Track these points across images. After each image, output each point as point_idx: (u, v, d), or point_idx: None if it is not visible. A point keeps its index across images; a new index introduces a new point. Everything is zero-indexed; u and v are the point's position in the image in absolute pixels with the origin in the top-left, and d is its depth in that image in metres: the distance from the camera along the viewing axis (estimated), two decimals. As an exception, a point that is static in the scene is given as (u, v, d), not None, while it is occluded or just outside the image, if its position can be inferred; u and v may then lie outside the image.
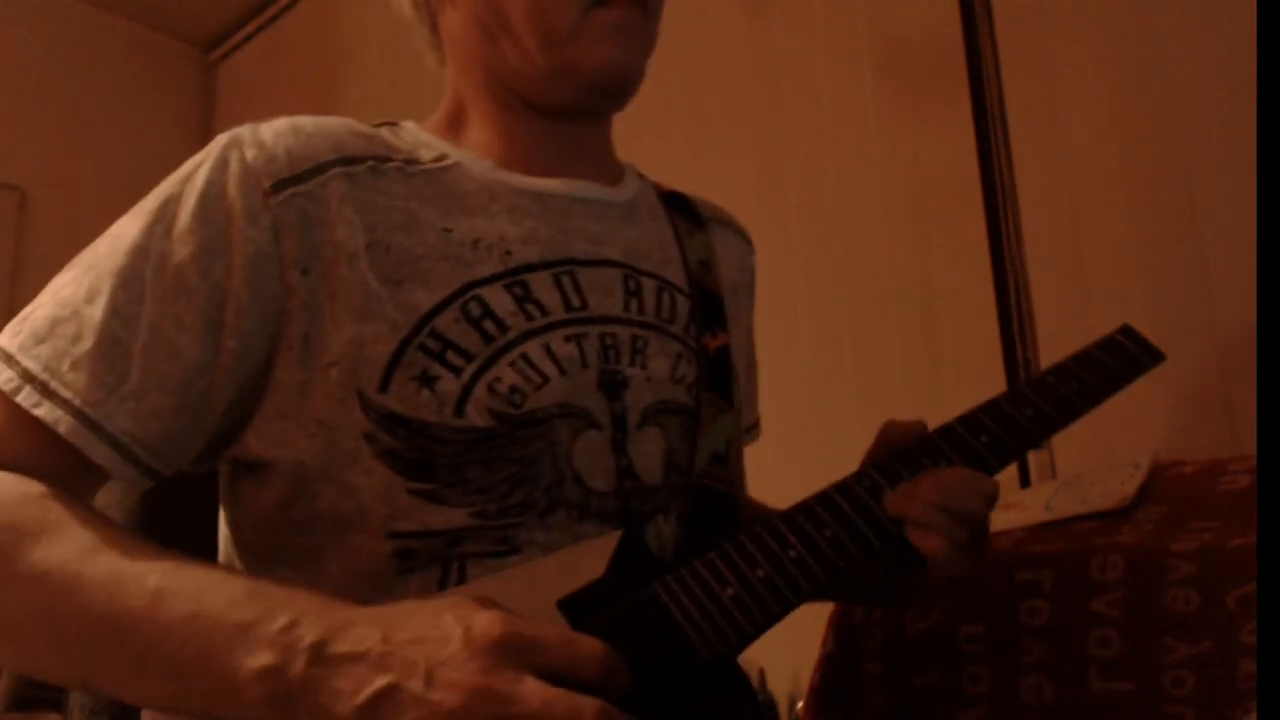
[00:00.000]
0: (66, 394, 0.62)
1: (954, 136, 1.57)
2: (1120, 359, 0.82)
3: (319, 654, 0.52)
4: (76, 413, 0.62)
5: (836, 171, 1.73)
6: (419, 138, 0.79)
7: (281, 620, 0.53)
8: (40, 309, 0.65)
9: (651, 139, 1.79)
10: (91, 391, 0.62)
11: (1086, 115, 1.45)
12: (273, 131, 0.71)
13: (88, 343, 0.63)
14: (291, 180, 0.68)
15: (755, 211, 1.79)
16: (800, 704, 1.15)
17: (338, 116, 0.76)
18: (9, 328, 0.66)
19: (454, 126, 0.82)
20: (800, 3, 1.83)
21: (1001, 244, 1.50)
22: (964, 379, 1.51)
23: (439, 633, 0.51)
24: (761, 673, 1.56)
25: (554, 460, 0.68)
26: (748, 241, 0.97)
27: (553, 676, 0.51)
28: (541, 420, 0.68)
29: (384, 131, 0.78)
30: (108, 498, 0.88)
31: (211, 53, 3.26)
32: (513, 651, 0.50)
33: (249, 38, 3.14)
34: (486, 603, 0.54)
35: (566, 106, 0.80)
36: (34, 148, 2.82)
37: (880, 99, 1.70)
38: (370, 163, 0.72)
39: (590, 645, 0.53)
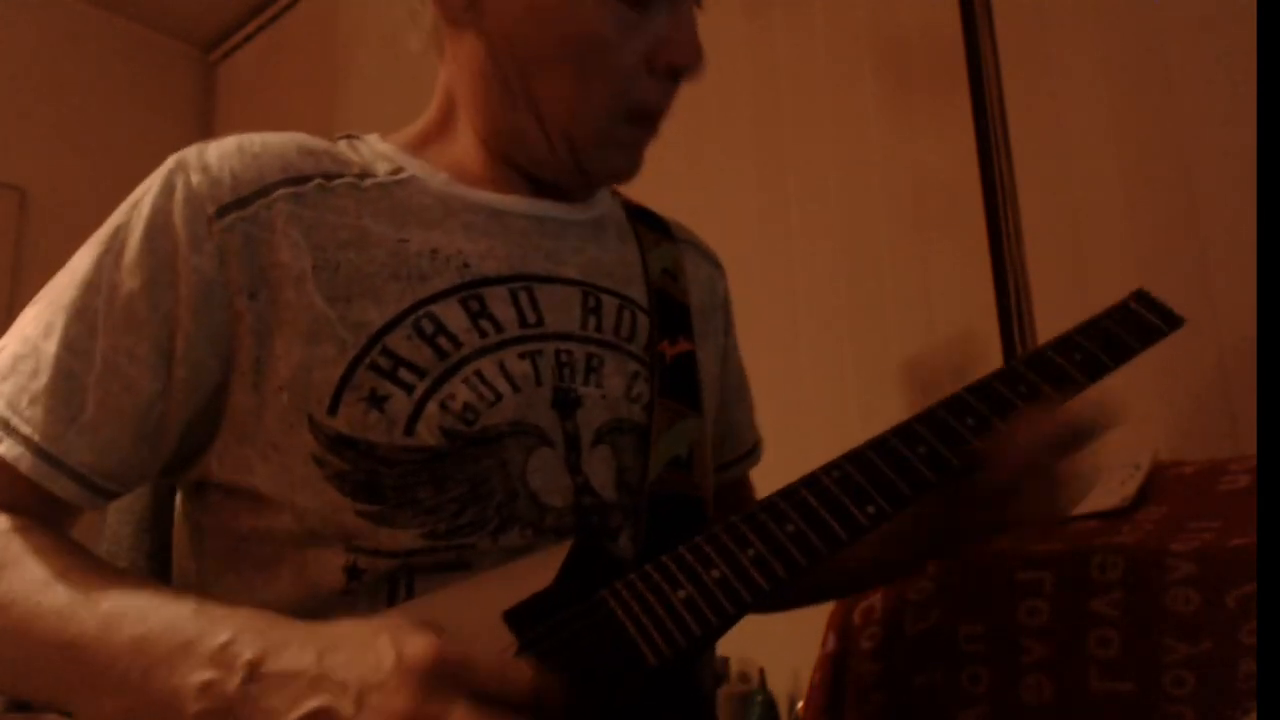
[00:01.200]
0: (26, 430, 0.63)
1: (954, 136, 1.57)
2: (1132, 326, 0.79)
3: (254, 671, 0.53)
4: (35, 449, 0.63)
5: (836, 172, 1.73)
6: (378, 150, 0.78)
7: (222, 637, 0.54)
8: (7, 347, 0.67)
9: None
10: (49, 426, 0.63)
11: (1086, 115, 1.45)
12: (219, 153, 0.70)
13: (44, 378, 0.64)
14: (235, 205, 0.68)
15: (755, 213, 1.79)
16: (800, 704, 1.15)
17: (290, 132, 0.75)
18: None
19: (425, 139, 0.81)
20: (800, 3, 1.83)
21: (1001, 244, 1.50)
22: (964, 379, 1.51)
23: (373, 656, 0.52)
24: (761, 672, 1.56)
25: (506, 478, 0.67)
26: (717, 265, 0.95)
27: (485, 700, 0.51)
28: (493, 438, 0.67)
29: (341, 145, 0.77)
30: (118, 501, 0.88)
31: (211, 53, 3.26)
32: (444, 677, 0.51)
33: (249, 38, 3.15)
34: (422, 626, 0.54)
35: (558, 184, 0.80)
36: (34, 148, 2.82)
37: (880, 99, 1.70)
38: (318, 180, 0.71)
39: (521, 668, 0.53)
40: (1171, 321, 0.80)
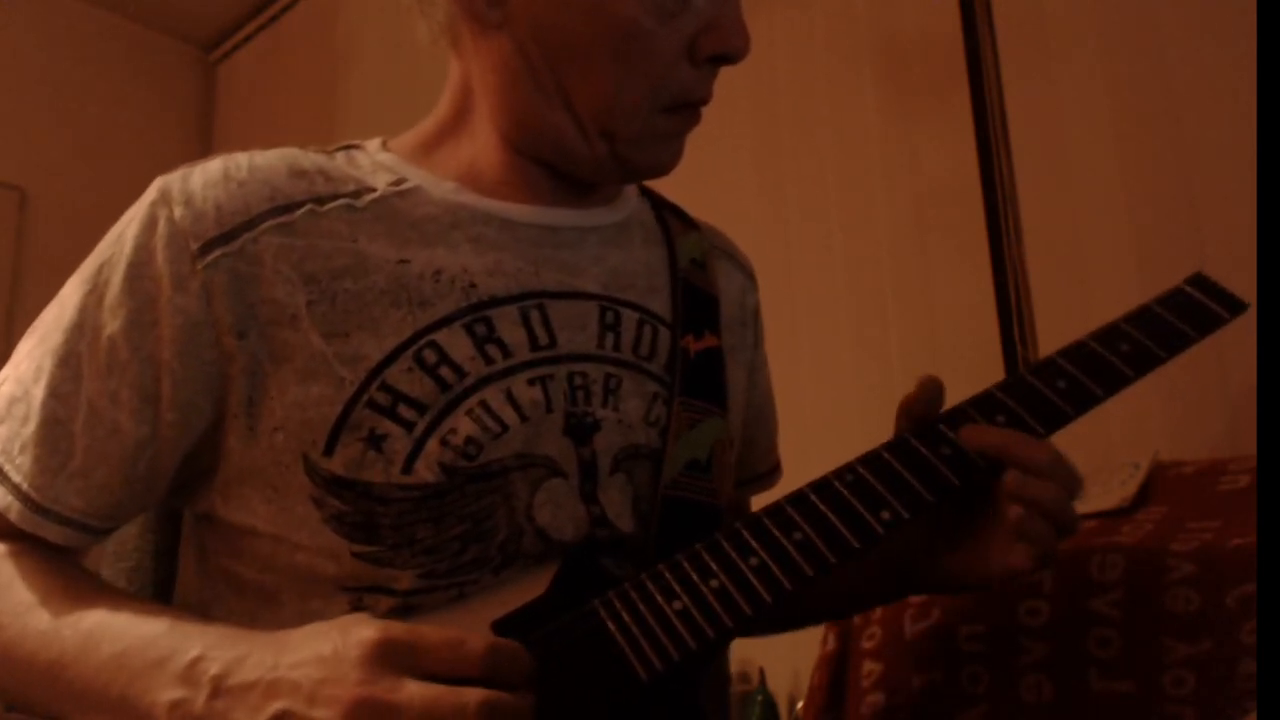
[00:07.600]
0: (16, 478, 0.64)
1: (954, 137, 1.57)
2: (1188, 313, 0.72)
3: (219, 687, 0.54)
4: (24, 498, 0.63)
5: (836, 172, 1.73)
6: (379, 160, 0.73)
7: (191, 654, 0.56)
8: (5, 383, 0.67)
9: (651, 139, 1.79)
10: (37, 476, 0.63)
11: (1087, 116, 1.45)
12: (203, 181, 0.66)
13: (32, 425, 0.64)
14: (219, 240, 0.64)
15: (755, 212, 1.79)
16: (800, 704, 1.15)
17: (281, 149, 0.70)
18: None
19: (437, 140, 0.76)
20: (800, 2, 1.83)
21: (1001, 244, 1.50)
22: (964, 379, 1.51)
23: (321, 651, 0.53)
24: (761, 672, 1.56)
25: (510, 514, 0.64)
26: (750, 276, 0.89)
27: (438, 678, 0.51)
28: (496, 473, 0.64)
29: (339, 158, 0.72)
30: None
31: (211, 53, 3.26)
32: (392, 658, 0.51)
33: (249, 38, 3.15)
34: (373, 618, 0.54)
35: (594, 181, 0.76)
36: (34, 148, 2.82)
37: (880, 99, 1.70)
38: (308, 206, 0.67)
39: (473, 642, 0.53)
40: (1233, 307, 0.72)
